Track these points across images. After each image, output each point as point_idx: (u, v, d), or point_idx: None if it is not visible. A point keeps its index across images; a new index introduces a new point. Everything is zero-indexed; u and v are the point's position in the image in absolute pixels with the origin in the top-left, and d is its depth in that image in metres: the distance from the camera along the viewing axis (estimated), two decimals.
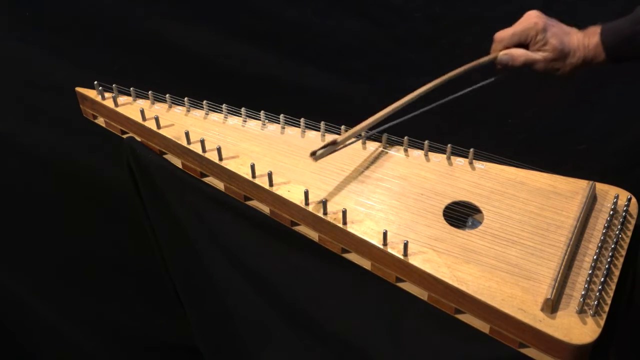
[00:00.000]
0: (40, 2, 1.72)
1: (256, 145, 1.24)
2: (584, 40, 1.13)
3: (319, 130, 1.27)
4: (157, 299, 1.68)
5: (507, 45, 1.16)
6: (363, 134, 1.22)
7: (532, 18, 1.14)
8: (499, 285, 1.00)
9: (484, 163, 1.21)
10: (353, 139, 1.18)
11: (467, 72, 1.18)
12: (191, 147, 1.22)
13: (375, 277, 1.10)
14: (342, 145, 1.14)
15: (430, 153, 1.23)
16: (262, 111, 1.29)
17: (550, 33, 1.13)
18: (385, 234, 1.05)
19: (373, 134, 1.23)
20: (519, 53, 1.15)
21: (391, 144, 1.25)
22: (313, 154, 1.10)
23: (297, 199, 1.13)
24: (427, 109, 1.19)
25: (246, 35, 1.77)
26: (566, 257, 1.01)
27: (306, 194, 1.11)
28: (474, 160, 1.21)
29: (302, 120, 1.27)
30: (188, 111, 1.31)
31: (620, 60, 1.13)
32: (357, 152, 1.24)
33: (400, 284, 1.08)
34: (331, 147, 1.12)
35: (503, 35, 1.16)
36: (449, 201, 1.14)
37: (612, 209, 1.10)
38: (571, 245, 1.03)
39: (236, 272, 1.26)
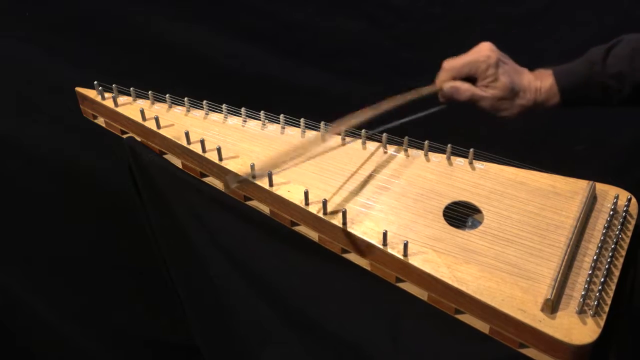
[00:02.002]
0: (40, 2, 1.72)
1: (256, 145, 1.24)
2: (535, 82, 1.09)
3: (319, 130, 1.27)
4: (157, 299, 1.68)
5: (455, 76, 1.11)
6: (363, 131, 1.22)
7: (485, 51, 1.09)
8: (499, 285, 1.00)
9: (484, 163, 1.21)
10: (350, 137, 1.19)
11: (408, 102, 1.13)
12: (191, 147, 1.22)
13: (375, 277, 1.10)
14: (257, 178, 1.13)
15: (430, 153, 1.23)
16: (262, 111, 1.29)
17: (502, 70, 1.08)
18: (385, 234, 1.05)
19: (373, 134, 1.23)
20: (465, 87, 1.10)
21: (391, 144, 1.25)
22: (227, 187, 1.09)
23: (297, 199, 1.13)
24: (369, 135, 1.19)
25: (246, 35, 1.77)
26: (566, 257, 1.01)
27: (306, 194, 1.11)
28: (474, 160, 1.21)
29: (302, 120, 1.27)
30: (188, 111, 1.31)
31: (573, 104, 1.09)
32: (357, 152, 1.24)
33: (400, 284, 1.08)
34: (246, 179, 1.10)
35: (453, 64, 1.11)
36: (448, 201, 1.14)
37: (612, 209, 1.10)
38: (571, 245, 1.03)
39: (236, 272, 1.26)
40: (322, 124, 1.25)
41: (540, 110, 1.10)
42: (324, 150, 1.22)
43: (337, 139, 1.26)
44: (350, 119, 1.11)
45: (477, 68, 1.09)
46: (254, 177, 1.12)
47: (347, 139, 1.26)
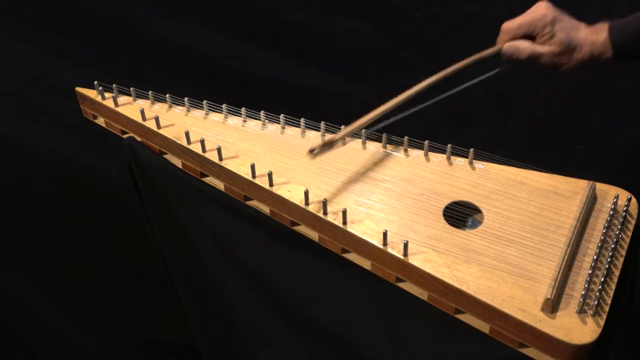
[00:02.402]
0: (40, 2, 1.72)
1: (256, 145, 1.24)
2: (591, 36, 1.11)
3: (319, 130, 1.27)
4: (157, 299, 1.68)
5: (513, 36, 1.14)
6: (363, 131, 1.22)
7: (541, 9, 1.12)
8: (499, 285, 1.00)
9: (484, 163, 1.20)
10: (350, 137, 1.18)
11: (472, 64, 1.16)
12: (191, 147, 1.22)
13: (375, 277, 1.10)
14: (339, 142, 1.14)
15: (430, 153, 1.23)
16: (262, 111, 1.29)
17: (558, 26, 1.10)
18: (385, 234, 1.05)
19: (372, 133, 1.23)
20: (525, 46, 1.13)
21: (391, 143, 1.25)
22: (311, 151, 1.10)
23: (297, 199, 1.13)
24: (431, 103, 1.17)
25: (246, 35, 1.77)
26: (566, 257, 1.01)
27: (306, 194, 1.11)
28: (474, 160, 1.21)
29: (302, 120, 1.27)
30: (188, 111, 1.31)
31: (627, 59, 1.12)
32: (357, 152, 1.24)
33: (400, 284, 1.08)
34: (329, 145, 1.12)
35: (510, 25, 1.14)
36: (449, 201, 1.14)
37: (612, 209, 1.10)
38: (571, 245, 1.03)
39: (236, 271, 1.26)
40: (321, 123, 1.25)
41: (600, 63, 1.12)
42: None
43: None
44: (420, 86, 1.15)
45: (534, 27, 1.12)
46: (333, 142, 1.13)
47: (347, 139, 1.26)
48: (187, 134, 1.22)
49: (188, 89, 1.34)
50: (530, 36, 1.13)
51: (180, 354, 1.77)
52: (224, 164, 1.19)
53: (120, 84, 1.32)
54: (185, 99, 1.31)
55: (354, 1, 1.77)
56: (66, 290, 1.76)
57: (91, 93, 1.33)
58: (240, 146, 1.24)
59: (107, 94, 1.32)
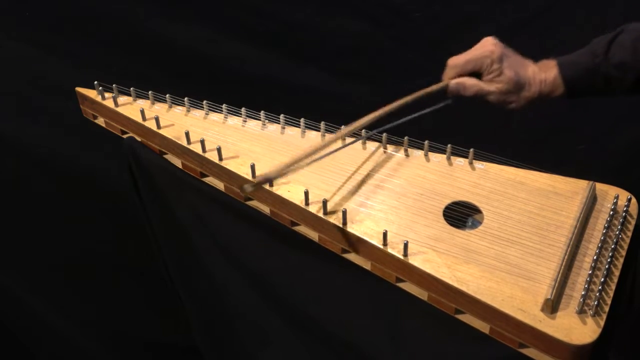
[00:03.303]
0: (40, 2, 1.72)
1: (256, 145, 1.24)
2: (540, 74, 1.09)
3: (319, 130, 1.27)
4: (157, 299, 1.68)
5: (460, 73, 1.11)
6: (363, 131, 1.22)
7: (488, 45, 1.09)
8: (499, 285, 1.00)
9: (484, 163, 1.21)
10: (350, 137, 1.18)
11: (417, 99, 1.13)
12: (191, 147, 1.22)
13: (375, 277, 1.10)
14: (278, 178, 1.09)
15: (430, 153, 1.23)
16: (262, 111, 1.29)
17: (506, 63, 1.08)
18: (385, 234, 1.05)
19: (372, 133, 1.23)
20: (471, 83, 1.10)
21: (391, 144, 1.25)
22: (242, 189, 1.05)
23: (297, 199, 1.13)
24: (374, 134, 1.18)
25: (246, 35, 1.77)
26: (566, 257, 1.01)
27: (306, 194, 1.11)
28: (474, 160, 1.21)
29: (302, 120, 1.27)
30: (188, 111, 1.31)
31: (578, 94, 1.10)
32: (357, 152, 1.24)
33: (400, 284, 1.08)
34: (265, 182, 1.08)
35: (456, 61, 1.11)
36: (449, 201, 1.14)
37: (612, 209, 1.10)
38: (571, 245, 1.03)
39: (236, 271, 1.26)
40: (321, 123, 1.26)
41: (546, 101, 1.11)
42: (327, 151, 1.22)
43: (338, 140, 1.26)
44: (360, 121, 1.11)
45: (481, 63, 1.09)
46: (269, 180, 1.10)
47: (348, 139, 1.26)
48: (187, 134, 1.22)
49: (188, 89, 1.34)
50: (476, 73, 1.11)
51: (180, 354, 1.77)
52: (224, 164, 1.19)
53: (120, 84, 1.32)
54: (185, 99, 1.31)
55: (354, 1, 1.77)
56: (66, 290, 1.76)
57: (91, 93, 1.33)
58: (240, 146, 1.24)
59: (107, 94, 1.32)
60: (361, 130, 1.15)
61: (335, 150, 1.18)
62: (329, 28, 1.77)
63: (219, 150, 1.19)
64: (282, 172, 1.06)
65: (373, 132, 1.20)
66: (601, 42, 1.08)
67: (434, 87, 1.13)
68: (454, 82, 1.12)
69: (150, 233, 1.39)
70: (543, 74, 1.09)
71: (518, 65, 1.10)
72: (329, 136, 1.11)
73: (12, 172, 1.74)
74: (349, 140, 1.23)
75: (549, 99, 1.10)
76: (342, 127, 1.19)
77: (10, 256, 1.75)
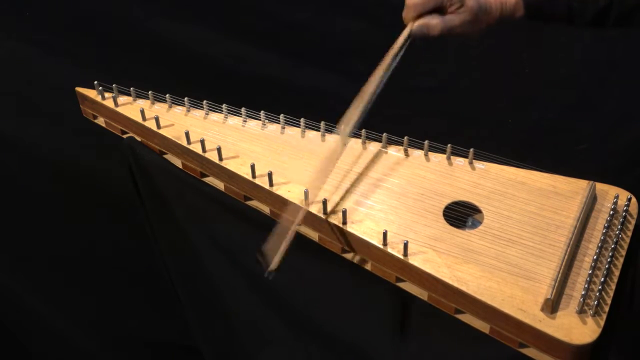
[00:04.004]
0: (40, 2, 1.72)
1: (256, 145, 1.24)
2: None
3: (319, 130, 1.27)
4: (157, 299, 1.68)
5: (420, 12, 1.09)
6: (363, 131, 1.22)
7: None
8: (499, 285, 1.00)
9: (484, 163, 1.20)
10: (351, 137, 1.17)
11: (394, 59, 1.11)
12: (191, 147, 1.22)
13: (375, 277, 1.10)
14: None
15: (430, 153, 1.23)
16: (262, 111, 1.29)
17: None
18: (385, 234, 1.05)
19: (372, 133, 1.23)
20: (436, 22, 1.08)
21: (391, 143, 1.25)
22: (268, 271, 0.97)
23: (297, 199, 1.13)
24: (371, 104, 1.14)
25: (246, 35, 1.77)
26: (566, 257, 1.01)
27: (306, 194, 1.11)
28: (474, 160, 1.21)
29: (302, 120, 1.27)
30: (188, 111, 1.31)
31: (538, 18, 1.09)
32: (357, 152, 1.24)
33: (400, 284, 1.08)
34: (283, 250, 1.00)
35: (416, 0, 1.09)
36: (449, 201, 1.14)
37: (612, 209, 1.10)
38: (571, 245, 1.03)
39: (236, 271, 1.26)
40: (321, 123, 1.25)
41: (510, 22, 1.09)
42: (326, 151, 1.22)
43: (338, 140, 1.26)
44: (350, 115, 1.09)
45: None
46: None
47: (348, 139, 1.26)
48: (187, 134, 1.22)
49: (188, 88, 1.34)
50: (437, 9, 1.08)
51: (180, 354, 1.77)
52: (224, 164, 1.19)
53: (120, 84, 1.32)
54: (185, 99, 1.31)
55: (354, 1, 1.77)
56: (66, 290, 1.76)
57: (91, 93, 1.33)
58: (240, 146, 1.24)
59: (107, 94, 1.32)
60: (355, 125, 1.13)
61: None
62: (329, 28, 1.77)
63: (219, 150, 1.19)
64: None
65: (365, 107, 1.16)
66: None
67: (399, 40, 1.11)
68: (417, 24, 1.09)
69: (150, 233, 1.39)
70: None
71: None
72: (333, 147, 1.08)
73: (12, 172, 1.74)
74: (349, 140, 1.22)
75: (510, 21, 1.08)
76: (337, 128, 1.17)
77: (10, 256, 1.75)
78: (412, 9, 1.09)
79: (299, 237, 1.16)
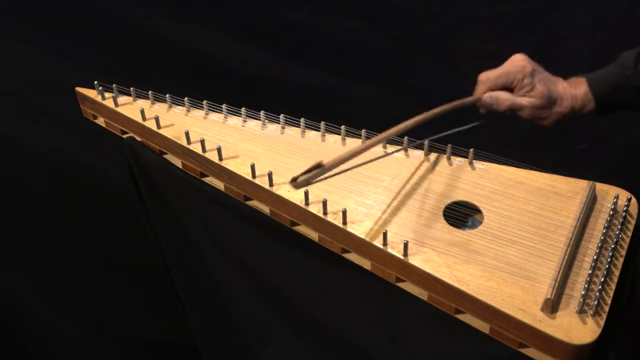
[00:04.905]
0: (40, 2, 1.72)
1: (256, 145, 1.24)
2: (570, 89, 1.10)
3: (319, 130, 1.27)
4: (157, 299, 1.68)
5: (491, 87, 1.11)
6: (363, 131, 1.22)
7: (519, 61, 1.09)
8: (499, 285, 1.00)
9: (484, 163, 1.21)
10: (350, 137, 1.17)
11: (450, 111, 1.12)
12: (191, 147, 1.22)
13: (375, 277, 1.10)
14: (328, 171, 1.01)
15: (430, 153, 1.23)
16: (262, 111, 1.29)
17: (537, 78, 1.08)
18: (385, 234, 1.05)
19: (372, 133, 1.23)
20: (505, 97, 1.10)
21: (391, 143, 1.25)
22: (293, 180, 0.98)
23: (297, 199, 1.13)
24: (415, 145, 1.18)
25: (246, 35, 1.77)
26: (566, 257, 1.01)
27: (306, 194, 1.11)
28: (474, 160, 1.21)
29: (302, 120, 1.27)
30: (188, 111, 1.31)
31: (609, 109, 1.11)
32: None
33: (400, 284, 1.08)
34: (317, 172, 1.01)
35: (488, 76, 1.11)
36: (449, 201, 1.14)
37: (612, 209, 1.10)
38: (571, 245, 1.03)
39: (236, 271, 1.26)
40: (321, 123, 1.25)
41: (576, 117, 1.11)
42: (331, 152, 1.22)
43: (338, 140, 1.26)
44: (392, 131, 1.09)
45: (513, 78, 1.09)
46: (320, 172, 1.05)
47: (348, 139, 1.26)
48: (187, 134, 1.22)
49: (188, 89, 1.34)
50: (508, 88, 1.11)
51: (180, 354, 1.77)
52: (224, 164, 1.19)
53: (120, 84, 1.32)
54: (185, 99, 1.31)
55: (353, 1, 1.77)
56: (66, 290, 1.77)
57: (91, 93, 1.33)
58: (240, 146, 1.24)
59: (107, 94, 1.32)
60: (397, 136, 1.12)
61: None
62: (329, 28, 1.77)
63: (219, 150, 1.19)
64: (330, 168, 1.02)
65: (413, 143, 1.19)
66: (630, 55, 1.09)
67: (468, 99, 1.13)
68: (487, 95, 1.11)
69: (150, 233, 1.39)
70: (573, 89, 1.10)
71: (549, 81, 1.10)
72: (367, 141, 1.07)
73: (12, 172, 1.74)
74: (387, 148, 1.23)
75: (581, 114, 1.10)
76: (380, 133, 1.13)
77: (10, 256, 1.75)
78: (483, 84, 1.12)
79: (299, 237, 1.16)
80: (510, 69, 1.09)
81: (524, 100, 1.10)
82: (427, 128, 1.13)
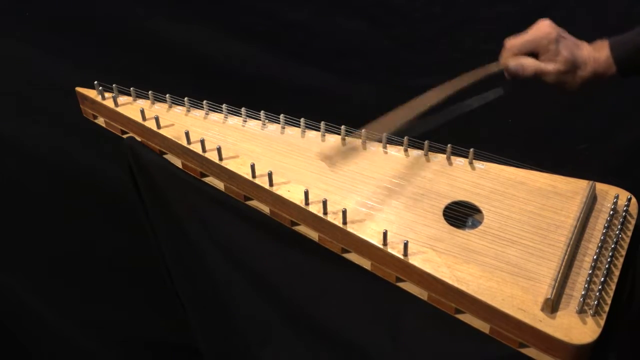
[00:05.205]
0: (40, 2, 1.73)
1: (256, 145, 1.24)
2: (594, 53, 1.10)
3: (319, 130, 1.27)
4: (157, 299, 1.68)
5: (517, 54, 1.13)
6: (363, 131, 1.22)
7: (544, 27, 1.11)
8: (499, 285, 1.00)
9: (484, 163, 1.21)
10: (350, 137, 1.17)
11: (475, 82, 1.15)
12: (191, 147, 1.22)
13: (375, 277, 1.10)
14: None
15: (430, 153, 1.23)
16: (262, 111, 1.29)
17: (562, 44, 1.09)
18: (385, 234, 1.05)
19: (373, 133, 1.23)
20: (530, 63, 1.11)
21: (391, 143, 1.25)
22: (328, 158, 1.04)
23: (297, 199, 1.13)
24: (441, 124, 1.16)
25: (246, 35, 1.77)
26: (566, 257, 1.01)
27: (306, 194, 1.11)
28: (474, 160, 1.21)
29: (302, 120, 1.27)
30: (188, 111, 1.31)
31: (630, 74, 1.11)
32: (357, 152, 1.24)
33: (400, 284, 1.08)
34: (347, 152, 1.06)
35: (514, 42, 1.13)
36: (449, 201, 1.14)
37: (612, 209, 1.10)
38: (571, 245, 1.03)
39: (236, 272, 1.26)
40: (321, 123, 1.25)
41: (603, 81, 1.11)
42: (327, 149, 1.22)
43: (338, 140, 1.26)
44: (420, 102, 1.11)
45: (538, 44, 1.10)
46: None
47: (347, 139, 1.26)
48: (187, 134, 1.22)
49: (188, 89, 1.34)
50: (532, 54, 1.12)
51: (180, 354, 1.77)
52: (224, 164, 1.19)
53: (120, 84, 1.32)
54: (185, 99, 1.31)
55: (354, 1, 1.77)
56: (66, 290, 1.76)
57: (91, 93, 1.33)
58: (240, 146, 1.24)
59: (107, 94, 1.32)
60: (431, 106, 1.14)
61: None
62: (329, 28, 1.77)
63: (219, 150, 1.19)
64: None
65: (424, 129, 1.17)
66: None
67: (493, 68, 1.14)
68: (513, 62, 1.12)
69: (150, 233, 1.39)
70: (596, 53, 1.10)
71: (573, 46, 1.11)
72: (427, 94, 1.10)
73: (12, 172, 1.74)
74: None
75: (604, 78, 1.11)
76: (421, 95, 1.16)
77: (10, 256, 1.75)
78: (509, 51, 1.13)
79: (299, 237, 1.16)
80: (536, 35, 1.11)
81: (549, 66, 1.10)
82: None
